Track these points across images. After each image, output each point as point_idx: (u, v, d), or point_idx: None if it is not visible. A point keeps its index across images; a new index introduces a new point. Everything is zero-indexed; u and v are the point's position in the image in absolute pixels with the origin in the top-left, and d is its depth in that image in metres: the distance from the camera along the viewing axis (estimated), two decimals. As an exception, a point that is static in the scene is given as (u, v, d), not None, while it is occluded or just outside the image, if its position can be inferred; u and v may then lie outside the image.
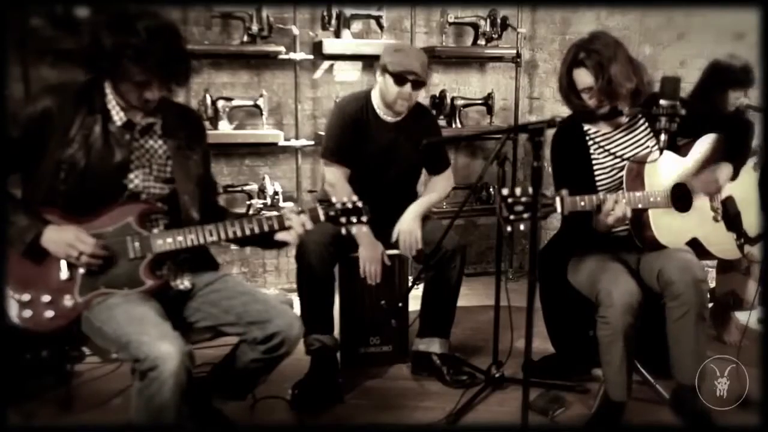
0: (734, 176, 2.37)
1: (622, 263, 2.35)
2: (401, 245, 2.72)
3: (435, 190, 2.91)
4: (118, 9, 1.83)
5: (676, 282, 2.19)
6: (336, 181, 2.73)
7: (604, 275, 2.28)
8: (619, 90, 2.25)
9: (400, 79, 2.61)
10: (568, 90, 2.34)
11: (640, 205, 2.22)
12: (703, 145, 2.40)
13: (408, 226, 2.71)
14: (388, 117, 2.75)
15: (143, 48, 1.75)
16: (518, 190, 1.88)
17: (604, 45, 2.26)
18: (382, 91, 2.69)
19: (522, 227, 1.89)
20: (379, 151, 2.75)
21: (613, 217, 2.15)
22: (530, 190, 1.85)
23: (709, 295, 2.22)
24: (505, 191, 1.88)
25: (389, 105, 2.69)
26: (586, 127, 2.41)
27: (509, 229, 1.90)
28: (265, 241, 2.00)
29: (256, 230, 1.95)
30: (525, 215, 1.87)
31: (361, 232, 2.46)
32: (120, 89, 1.86)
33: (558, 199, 2.05)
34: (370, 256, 2.67)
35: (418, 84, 2.65)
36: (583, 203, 2.14)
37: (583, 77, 2.28)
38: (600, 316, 2.25)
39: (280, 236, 1.99)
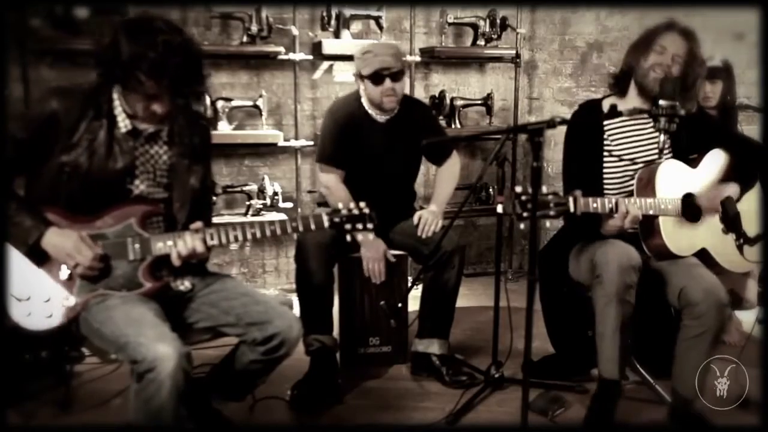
0: (739, 197, 2.38)
1: None
2: (421, 223, 2.74)
3: (445, 179, 2.95)
4: (143, 18, 1.82)
5: (699, 303, 2.17)
6: (332, 184, 2.75)
7: (601, 247, 2.27)
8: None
9: (376, 78, 2.65)
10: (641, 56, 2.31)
11: (651, 212, 2.22)
12: (714, 161, 2.38)
13: (434, 210, 2.79)
14: (379, 116, 2.78)
15: (159, 62, 1.74)
16: (530, 188, 1.90)
17: None
18: (367, 95, 2.73)
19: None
20: (373, 151, 2.77)
21: (629, 219, 2.15)
22: (545, 188, 1.91)
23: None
24: (518, 188, 1.91)
25: (378, 105, 2.73)
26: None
27: (522, 226, 1.94)
28: None
29: (258, 235, 1.94)
30: (538, 212, 1.91)
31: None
32: (128, 98, 1.86)
33: (571, 199, 2.06)
34: (373, 255, 2.67)
35: (397, 75, 2.68)
36: (595, 205, 2.13)
37: (677, 43, 2.28)
38: (595, 276, 2.23)
39: None
